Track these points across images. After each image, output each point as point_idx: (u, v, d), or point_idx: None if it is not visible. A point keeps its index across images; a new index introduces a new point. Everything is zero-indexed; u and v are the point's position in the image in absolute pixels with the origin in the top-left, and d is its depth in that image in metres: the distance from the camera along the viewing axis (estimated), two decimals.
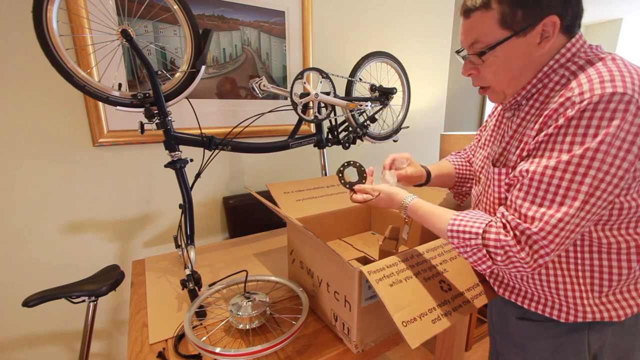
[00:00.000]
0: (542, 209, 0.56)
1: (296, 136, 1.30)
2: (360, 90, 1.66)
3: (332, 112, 1.33)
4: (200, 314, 0.85)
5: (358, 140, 1.43)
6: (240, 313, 0.77)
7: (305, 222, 1.09)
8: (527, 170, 0.59)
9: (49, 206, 1.24)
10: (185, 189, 1.00)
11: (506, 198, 0.67)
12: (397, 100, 1.59)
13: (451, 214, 0.67)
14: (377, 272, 0.66)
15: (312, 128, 1.51)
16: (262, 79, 1.25)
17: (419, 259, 0.75)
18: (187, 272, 0.92)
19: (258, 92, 1.26)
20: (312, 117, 1.27)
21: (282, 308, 0.89)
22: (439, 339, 1.27)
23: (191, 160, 1.03)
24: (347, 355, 0.75)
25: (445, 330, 0.77)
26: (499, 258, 0.59)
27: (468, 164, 0.99)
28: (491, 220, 0.62)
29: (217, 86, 1.47)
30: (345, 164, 0.90)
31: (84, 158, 1.27)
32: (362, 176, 0.87)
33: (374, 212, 1.27)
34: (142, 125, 0.96)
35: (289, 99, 1.22)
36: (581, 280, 0.66)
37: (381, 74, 1.87)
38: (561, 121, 0.56)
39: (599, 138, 0.52)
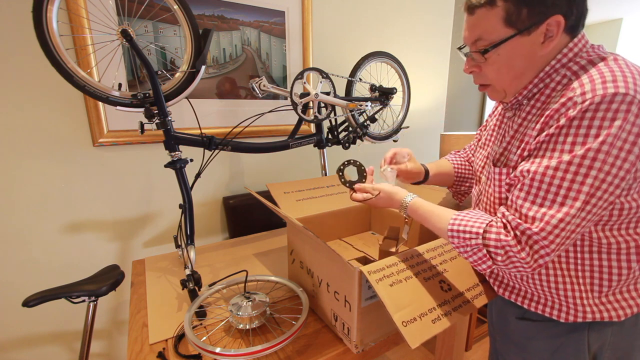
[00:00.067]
0: (543, 209, 0.56)
1: (296, 136, 1.30)
2: (360, 90, 1.66)
3: (332, 112, 1.33)
4: (200, 314, 0.85)
5: (358, 140, 1.43)
6: (240, 313, 0.77)
7: (305, 222, 1.09)
8: (528, 171, 0.59)
9: (49, 206, 1.24)
10: (185, 189, 1.00)
11: (506, 198, 0.67)
12: (397, 100, 1.59)
13: (451, 214, 0.67)
14: (377, 272, 0.66)
15: (312, 128, 1.51)
16: (262, 79, 1.25)
17: (419, 259, 0.75)
18: (187, 272, 0.92)
19: (258, 92, 1.26)
20: (312, 117, 1.27)
21: (282, 308, 0.89)
22: (439, 339, 1.27)
23: (191, 160, 1.03)
24: (347, 355, 0.75)
25: (445, 330, 0.77)
26: (499, 258, 0.59)
27: (467, 163, 0.99)
28: (492, 220, 0.62)
29: (217, 86, 1.47)
30: (346, 162, 0.90)
31: (84, 158, 1.27)
32: (362, 175, 0.87)
33: (374, 212, 1.27)
34: (142, 125, 0.96)
35: (289, 99, 1.22)
36: (581, 280, 0.65)
37: (381, 74, 1.87)
38: (563, 121, 0.55)
39: (600, 138, 0.52)
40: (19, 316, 1.26)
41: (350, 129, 1.43)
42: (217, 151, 1.09)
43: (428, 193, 1.11)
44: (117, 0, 1.19)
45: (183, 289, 0.93)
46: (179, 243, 1.05)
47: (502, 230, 0.59)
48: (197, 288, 0.92)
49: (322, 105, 1.31)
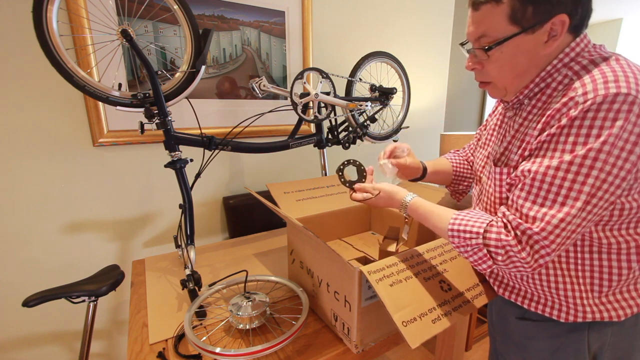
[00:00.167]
0: (544, 209, 0.56)
1: (296, 136, 1.30)
2: (360, 90, 1.66)
3: (332, 112, 1.33)
4: (200, 314, 0.85)
5: (358, 140, 1.43)
6: (240, 313, 0.77)
7: (305, 222, 1.09)
8: (529, 170, 0.59)
9: (49, 206, 1.24)
10: (185, 189, 1.00)
11: (507, 198, 0.67)
12: (397, 100, 1.59)
13: (452, 213, 0.67)
14: (377, 272, 0.66)
15: (312, 128, 1.51)
16: (262, 79, 1.25)
17: (419, 259, 0.75)
18: (187, 272, 0.92)
19: (258, 92, 1.26)
20: (312, 117, 1.27)
21: (282, 308, 0.89)
22: (439, 339, 1.27)
23: (191, 160, 1.03)
24: (347, 355, 0.75)
25: (445, 330, 0.77)
26: (499, 258, 0.59)
27: (466, 162, 0.99)
28: (492, 220, 0.62)
29: (217, 86, 1.47)
30: (345, 162, 0.90)
31: (84, 158, 1.27)
32: (362, 175, 0.87)
33: (374, 212, 1.27)
34: (142, 125, 0.96)
35: (289, 99, 1.22)
36: (581, 280, 0.65)
37: (381, 74, 1.87)
38: (564, 121, 0.55)
39: (601, 139, 0.52)
40: (19, 316, 1.26)
41: (350, 129, 1.43)
42: (217, 151, 1.09)
43: (428, 193, 1.11)
44: (117, 0, 1.19)
45: (183, 289, 0.93)
46: (179, 243, 1.05)
47: (503, 230, 0.59)
48: (197, 288, 0.92)
49: (322, 105, 1.31)
